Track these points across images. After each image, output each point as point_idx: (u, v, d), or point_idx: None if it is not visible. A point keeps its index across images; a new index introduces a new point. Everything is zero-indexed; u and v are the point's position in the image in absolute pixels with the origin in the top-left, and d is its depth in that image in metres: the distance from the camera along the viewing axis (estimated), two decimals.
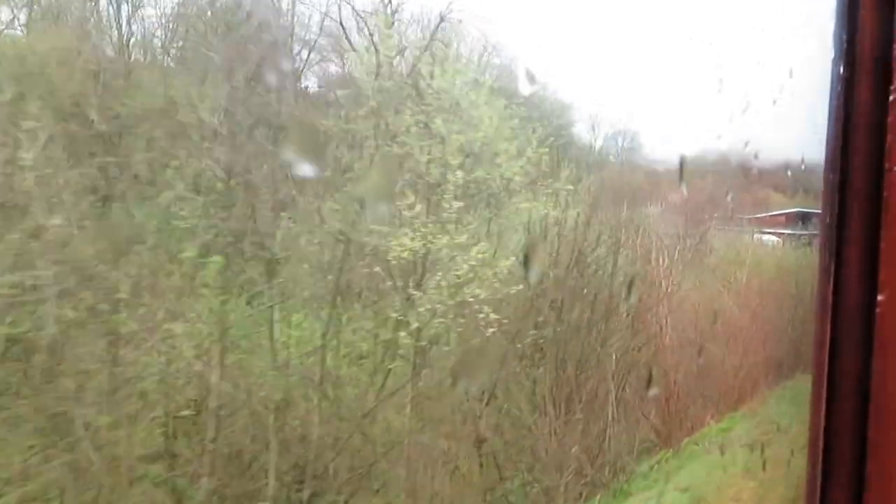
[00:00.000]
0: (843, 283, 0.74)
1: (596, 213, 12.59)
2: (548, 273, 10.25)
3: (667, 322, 12.86)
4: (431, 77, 9.44)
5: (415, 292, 8.93)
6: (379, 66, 9.49)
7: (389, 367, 9.30)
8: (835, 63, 0.75)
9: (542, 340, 10.42)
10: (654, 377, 11.86)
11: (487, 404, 9.81)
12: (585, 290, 11.32)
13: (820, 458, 0.75)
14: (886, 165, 0.70)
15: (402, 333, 8.90)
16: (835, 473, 0.74)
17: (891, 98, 0.70)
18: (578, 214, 11.55)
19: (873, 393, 0.71)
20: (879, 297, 0.71)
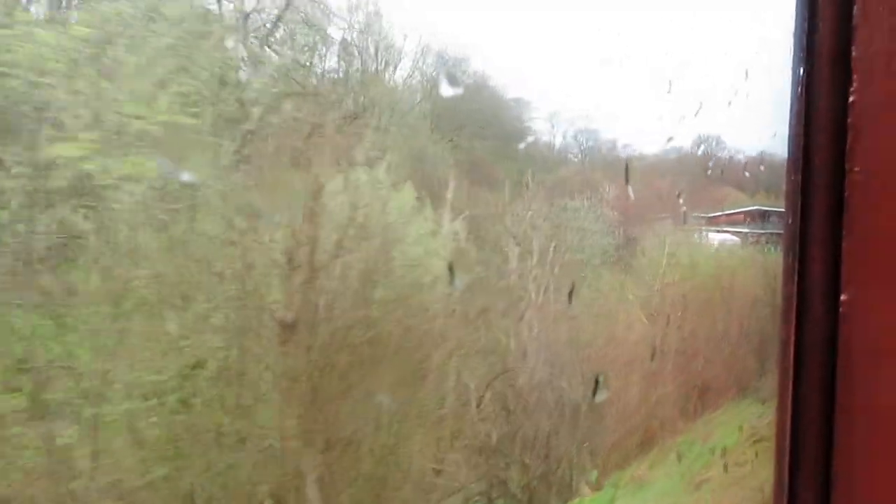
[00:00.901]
0: (807, 283, 0.74)
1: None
2: None
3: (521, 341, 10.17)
4: None
5: None
6: None
7: None
8: (795, 64, 0.76)
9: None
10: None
11: None
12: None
13: (787, 459, 0.75)
14: (848, 166, 0.71)
15: None
16: (802, 473, 0.75)
17: (851, 99, 0.71)
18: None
19: (839, 392, 0.72)
20: (843, 297, 0.71)
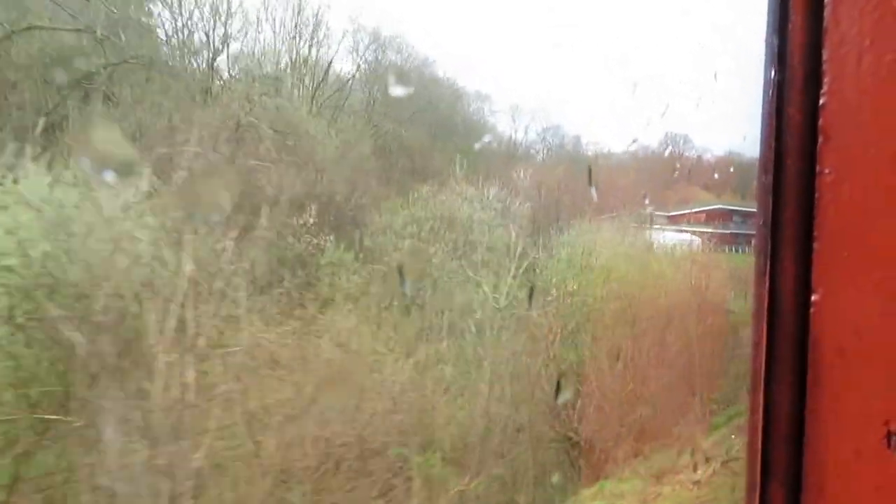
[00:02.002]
0: (779, 284, 0.75)
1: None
2: None
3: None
4: None
5: None
6: None
7: None
8: (766, 67, 0.77)
9: None
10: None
11: None
12: None
13: (758, 458, 0.76)
14: (818, 168, 0.72)
15: None
16: (773, 472, 0.75)
17: (821, 102, 0.72)
18: None
19: (808, 392, 0.73)
20: (813, 297, 0.72)
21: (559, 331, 11.95)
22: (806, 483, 0.73)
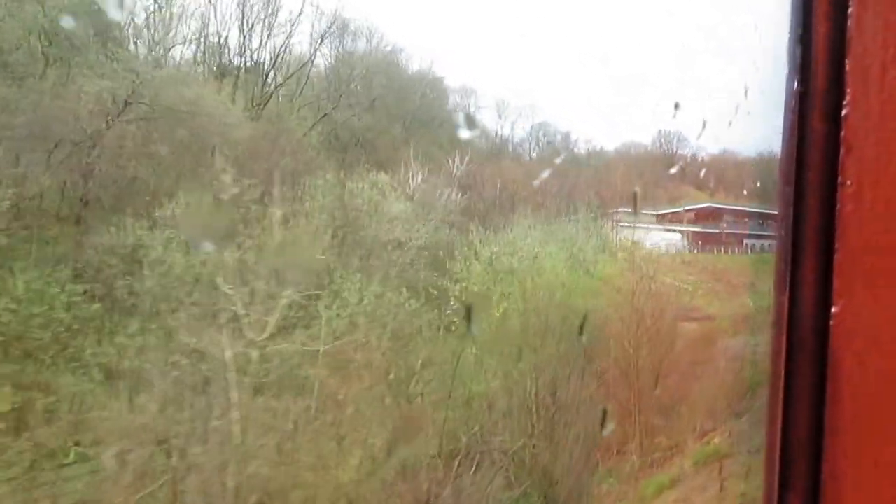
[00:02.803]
0: (799, 294, 0.75)
1: None
2: None
3: None
4: None
5: None
6: None
7: None
8: (789, 77, 0.76)
9: None
10: None
11: None
12: None
13: (777, 467, 0.76)
14: (840, 179, 0.71)
15: None
16: (791, 481, 0.75)
17: (843, 113, 0.71)
18: None
19: (828, 403, 0.72)
20: (834, 309, 0.72)
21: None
22: (824, 496, 0.73)
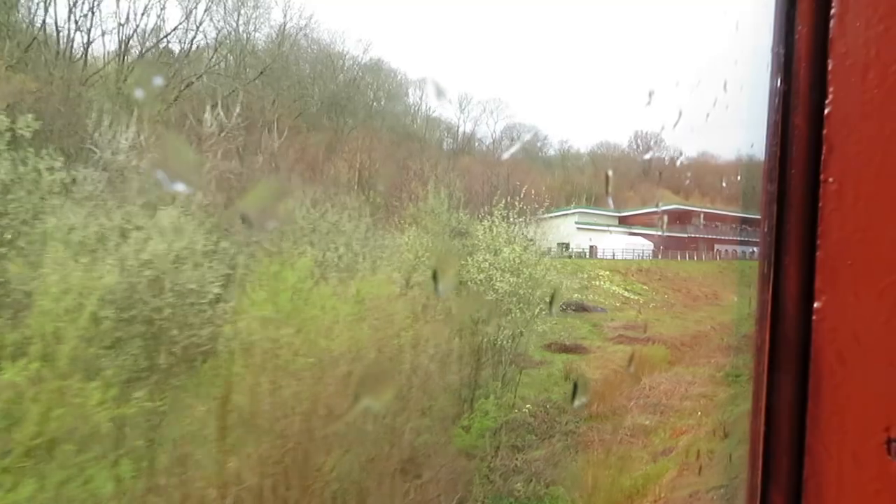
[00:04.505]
0: (782, 291, 0.76)
1: None
2: None
3: None
4: None
5: None
6: None
7: None
8: (772, 76, 0.77)
9: None
10: None
11: None
12: None
13: (760, 463, 0.77)
14: (822, 177, 0.73)
15: None
16: (774, 478, 0.76)
17: (826, 111, 0.72)
18: None
19: (809, 398, 0.73)
20: (816, 305, 0.73)
21: None
22: (806, 489, 0.74)
